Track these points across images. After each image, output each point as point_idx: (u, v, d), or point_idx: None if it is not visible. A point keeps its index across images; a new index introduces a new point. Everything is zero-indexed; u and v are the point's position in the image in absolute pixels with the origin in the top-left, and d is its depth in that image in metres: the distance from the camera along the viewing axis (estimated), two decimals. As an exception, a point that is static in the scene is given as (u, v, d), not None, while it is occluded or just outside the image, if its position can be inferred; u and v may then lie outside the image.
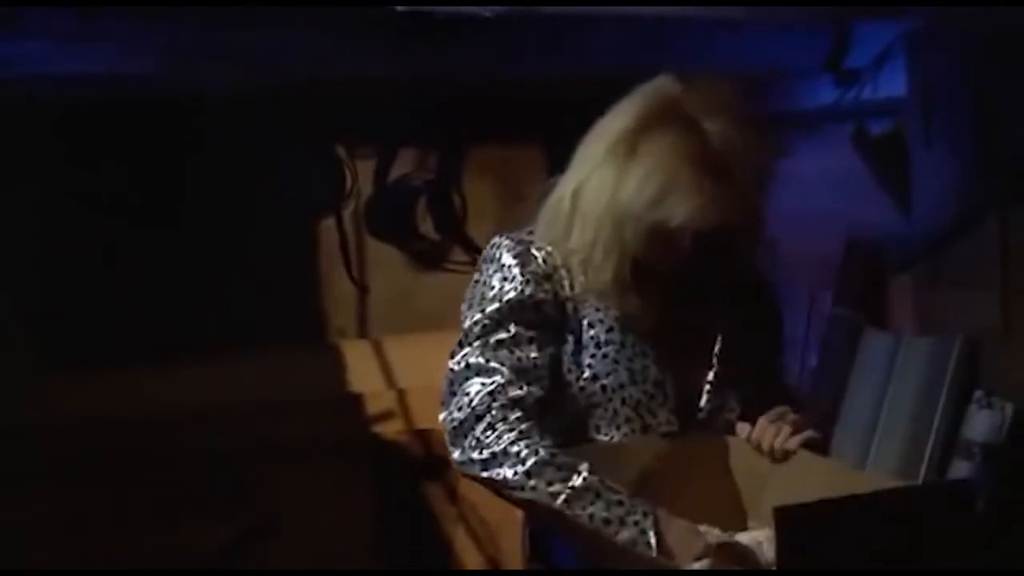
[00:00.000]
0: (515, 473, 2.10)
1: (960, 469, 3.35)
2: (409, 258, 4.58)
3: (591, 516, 2.07)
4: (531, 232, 2.29)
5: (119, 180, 4.16)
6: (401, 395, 4.31)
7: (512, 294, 2.21)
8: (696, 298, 2.27)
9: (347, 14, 3.06)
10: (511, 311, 2.20)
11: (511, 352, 2.18)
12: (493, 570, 2.42)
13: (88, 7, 2.92)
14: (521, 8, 2.83)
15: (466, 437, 2.14)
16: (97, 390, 3.99)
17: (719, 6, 2.91)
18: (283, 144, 4.27)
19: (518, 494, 2.12)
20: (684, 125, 2.13)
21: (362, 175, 4.51)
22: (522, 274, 2.22)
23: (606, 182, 2.16)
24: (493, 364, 2.17)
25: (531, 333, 2.20)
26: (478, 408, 2.15)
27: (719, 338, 2.30)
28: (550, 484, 2.09)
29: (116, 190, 4.15)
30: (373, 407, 4.28)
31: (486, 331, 2.20)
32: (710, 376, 2.28)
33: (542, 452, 2.10)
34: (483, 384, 2.16)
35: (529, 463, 2.10)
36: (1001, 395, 3.32)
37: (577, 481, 2.09)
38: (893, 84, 3.66)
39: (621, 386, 2.22)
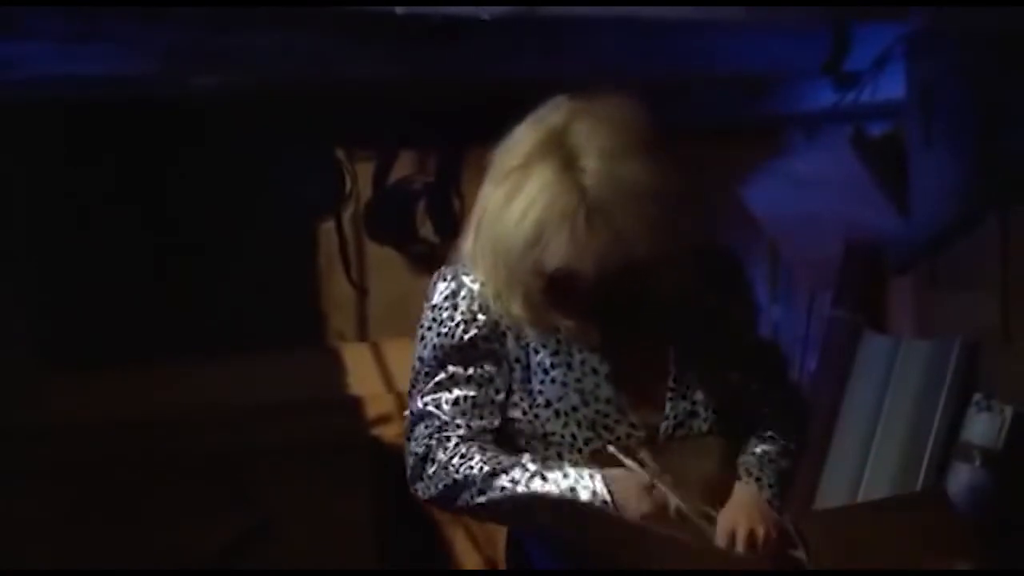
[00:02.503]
0: (471, 495, 2.17)
1: (959, 472, 3.35)
2: (409, 261, 4.58)
3: (545, 498, 2.12)
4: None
5: (119, 182, 4.17)
6: (400, 398, 4.30)
7: (444, 338, 2.22)
8: (639, 308, 2.23)
9: (346, 16, 3.06)
10: (446, 354, 2.21)
11: (450, 392, 2.21)
12: (493, 570, 2.44)
13: (88, 9, 2.92)
14: (520, 10, 2.83)
15: (421, 480, 2.21)
16: (97, 392, 3.99)
17: (718, 6, 2.90)
18: (283, 146, 4.27)
19: (485, 513, 2.20)
20: (562, 163, 2.06)
21: (362, 178, 4.51)
22: (452, 316, 2.22)
23: (493, 218, 2.12)
24: (431, 408, 2.22)
25: (469, 372, 2.21)
26: (421, 452, 2.21)
27: (673, 343, 2.25)
28: (503, 490, 2.15)
29: (116, 192, 4.16)
30: (372, 410, 4.28)
31: (428, 376, 2.23)
32: (669, 383, 2.23)
33: (486, 467, 2.16)
34: (425, 427, 2.21)
35: (479, 481, 2.16)
36: (1000, 397, 3.32)
37: (523, 476, 2.14)
38: (892, 86, 3.66)
39: (574, 408, 2.20)
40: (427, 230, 4.58)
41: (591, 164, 2.06)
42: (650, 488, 2.13)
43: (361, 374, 4.41)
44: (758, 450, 2.32)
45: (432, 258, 4.58)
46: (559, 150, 2.08)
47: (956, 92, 3.40)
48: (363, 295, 4.60)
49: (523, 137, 2.14)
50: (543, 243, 2.06)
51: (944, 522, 2.38)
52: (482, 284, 2.22)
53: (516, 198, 2.08)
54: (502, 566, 2.45)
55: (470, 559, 4.20)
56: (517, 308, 2.17)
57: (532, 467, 2.15)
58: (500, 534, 2.45)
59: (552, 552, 2.25)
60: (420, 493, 2.23)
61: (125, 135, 4.10)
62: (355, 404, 4.31)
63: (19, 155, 3.97)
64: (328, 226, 4.50)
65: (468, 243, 2.22)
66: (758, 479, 2.26)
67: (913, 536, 2.31)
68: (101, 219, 4.13)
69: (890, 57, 3.61)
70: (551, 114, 2.14)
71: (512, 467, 2.15)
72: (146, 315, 4.14)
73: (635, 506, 2.12)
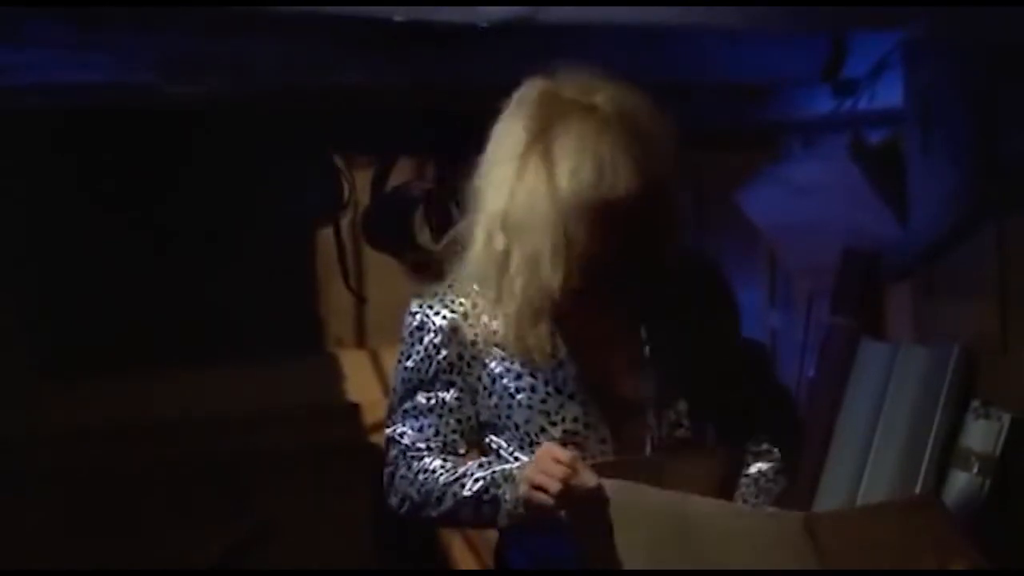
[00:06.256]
0: (431, 509, 2.28)
1: (957, 479, 3.35)
2: (407, 268, 4.57)
3: (479, 497, 2.20)
4: (449, 285, 2.32)
5: (118, 189, 4.17)
6: (399, 404, 4.31)
7: (410, 372, 2.31)
8: (616, 319, 2.27)
9: (345, 23, 3.06)
10: (413, 386, 2.31)
11: (416, 420, 2.30)
12: (492, 570, 2.48)
13: (89, 17, 2.92)
14: (519, 17, 2.83)
15: (394, 498, 2.35)
16: (97, 398, 3.99)
17: (717, 8, 2.91)
18: (281, 153, 4.27)
19: (448, 522, 2.32)
20: (578, 107, 2.13)
21: (360, 184, 4.51)
22: (417, 350, 2.30)
23: (538, 187, 2.13)
24: (395, 437, 2.33)
25: (431, 402, 2.29)
26: (389, 472, 2.35)
27: (648, 348, 2.28)
28: (454, 496, 2.23)
29: (115, 199, 4.16)
30: (371, 416, 4.28)
31: (399, 403, 2.34)
32: (648, 394, 2.26)
33: (440, 480, 2.25)
34: (393, 452, 2.34)
35: (436, 493, 2.25)
36: (998, 404, 3.32)
37: (468, 480, 2.22)
38: (891, 94, 3.66)
39: (542, 430, 2.24)
40: (425, 237, 4.57)
41: (602, 98, 2.14)
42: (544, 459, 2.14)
43: (359, 380, 4.42)
44: (753, 470, 2.35)
45: (430, 265, 4.57)
46: (567, 102, 2.15)
47: (954, 99, 3.40)
48: (361, 302, 4.60)
49: (518, 119, 2.19)
50: (607, 174, 2.09)
51: (940, 526, 2.39)
52: (452, 309, 2.27)
53: (557, 154, 2.11)
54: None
55: (469, 566, 4.21)
56: (556, 280, 2.16)
57: (477, 472, 2.23)
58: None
59: (528, 557, 2.30)
60: (395, 509, 2.36)
61: (124, 142, 4.11)
62: (354, 410, 4.32)
63: (19, 161, 3.98)
64: (327, 233, 4.50)
65: (491, 248, 2.23)
66: (754, 507, 2.30)
67: (910, 539, 2.32)
68: (100, 226, 4.14)
69: (888, 64, 3.62)
70: (532, 90, 2.21)
71: (464, 475, 2.23)
72: (145, 322, 4.15)
73: (526, 476, 2.14)
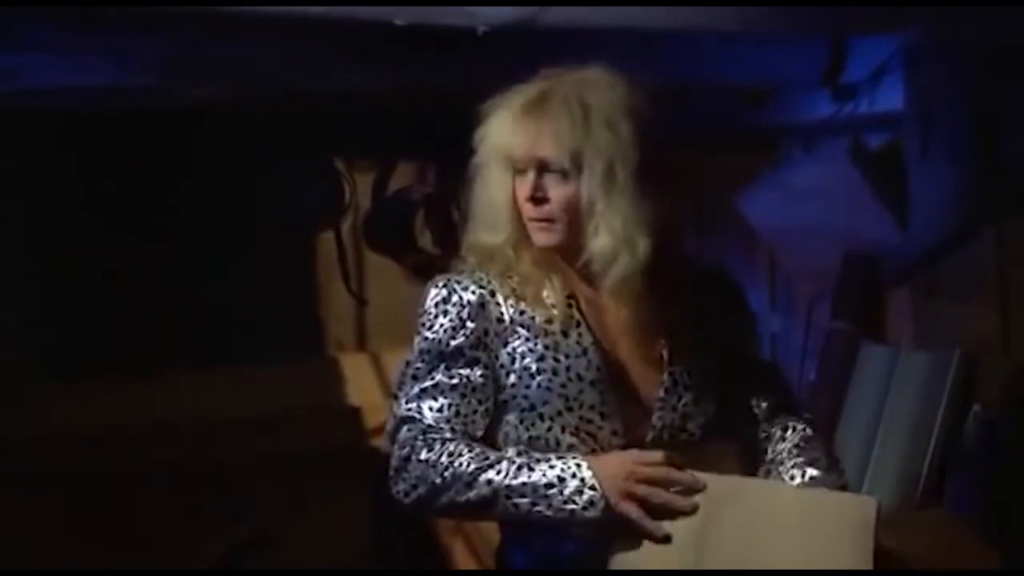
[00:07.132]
0: (456, 492, 2.16)
1: (958, 481, 3.35)
2: (407, 271, 4.58)
3: (535, 488, 2.12)
4: (472, 270, 2.30)
5: (118, 192, 4.18)
6: (399, 408, 4.31)
7: (431, 343, 2.24)
8: (640, 317, 2.26)
9: (346, 27, 3.07)
10: (432, 360, 2.24)
11: (435, 400, 2.22)
12: (492, 570, 2.45)
13: (89, 20, 2.93)
14: (519, 20, 2.84)
15: (404, 481, 2.21)
16: (96, 402, 4.00)
17: (716, 10, 2.91)
18: (282, 157, 4.28)
19: (471, 509, 2.19)
20: (536, 81, 2.23)
21: (361, 188, 4.51)
22: (440, 322, 2.23)
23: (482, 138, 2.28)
24: (415, 415, 2.22)
25: (454, 380, 2.22)
26: (405, 453, 2.20)
27: (667, 350, 2.27)
28: (489, 483, 2.14)
29: (115, 202, 4.17)
30: (372, 419, 4.28)
31: (413, 380, 2.24)
32: (660, 392, 2.25)
33: (472, 463, 2.16)
34: (409, 431, 2.21)
35: (466, 477, 2.15)
36: (999, 408, 3.32)
37: (510, 468, 2.14)
38: (891, 97, 3.67)
39: (559, 413, 2.21)
40: (426, 240, 4.57)
41: (561, 75, 2.22)
42: (636, 465, 2.12)
43: (360, 384, 4.42)
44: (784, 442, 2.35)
45: (431, 268, 4.57)
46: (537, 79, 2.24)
47: (954, 103, 3.41)
48: (362, 305, 4.60)
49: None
50: (505, 133, 2.21)
51: (941, 528, 2.39)
52: (479, 285, 2.24)
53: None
54: (502, 577, 2.46)
55: (467, 566, 4.21)
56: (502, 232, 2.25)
57: (518, 459, 2.16)
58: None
59: (530, 557, 2.26)
60: (402, 495, 2.21)
61: (125, 145, 4.11)
62: (354, 414, 4.31)
63: (19, 164, 3.99)
64: (328, 236, 4.50)
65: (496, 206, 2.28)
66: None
67: (911, 542, 2.32)
68: (101, 227, 4.14)
69: (888, 68, 3.62)
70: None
71: (499, 461, 2.16)
72: (145, 325, 4.15)
73: (621, 487, 2.11)
